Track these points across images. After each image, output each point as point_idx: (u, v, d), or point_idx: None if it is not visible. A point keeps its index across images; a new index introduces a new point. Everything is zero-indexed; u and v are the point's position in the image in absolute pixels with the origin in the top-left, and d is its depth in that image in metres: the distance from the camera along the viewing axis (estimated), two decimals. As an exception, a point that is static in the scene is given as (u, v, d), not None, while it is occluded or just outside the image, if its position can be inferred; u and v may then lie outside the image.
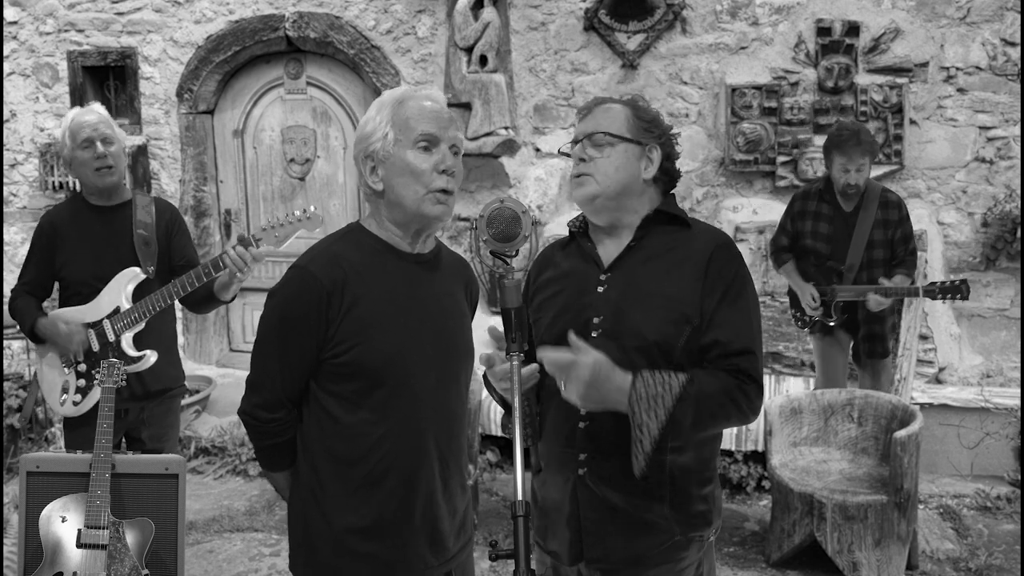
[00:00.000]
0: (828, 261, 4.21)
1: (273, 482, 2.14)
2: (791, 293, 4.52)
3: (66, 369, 3.21)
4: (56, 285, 3.33)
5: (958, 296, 3.96)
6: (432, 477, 1.99)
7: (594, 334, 1.90)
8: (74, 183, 6.21)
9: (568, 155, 2.03)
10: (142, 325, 3.15)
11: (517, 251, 1.75)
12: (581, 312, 1.93)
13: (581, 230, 2.05)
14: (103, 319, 3.15)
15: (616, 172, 1.93)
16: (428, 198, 1.91)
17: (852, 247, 4.14)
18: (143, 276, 3.18)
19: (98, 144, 3.15)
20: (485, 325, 5.41)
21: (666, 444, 1.80)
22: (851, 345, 4.41)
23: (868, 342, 4.30)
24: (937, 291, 3.99)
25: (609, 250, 1.99)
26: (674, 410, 1.75)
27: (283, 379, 1.96)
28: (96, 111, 3.23)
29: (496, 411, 4.74)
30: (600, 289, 1.94)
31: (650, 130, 1.97)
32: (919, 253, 4.97)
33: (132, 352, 3.13)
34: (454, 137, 1.96)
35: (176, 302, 3.14)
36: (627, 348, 1.86)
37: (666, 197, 2.03)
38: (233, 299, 3.23)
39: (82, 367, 3.18)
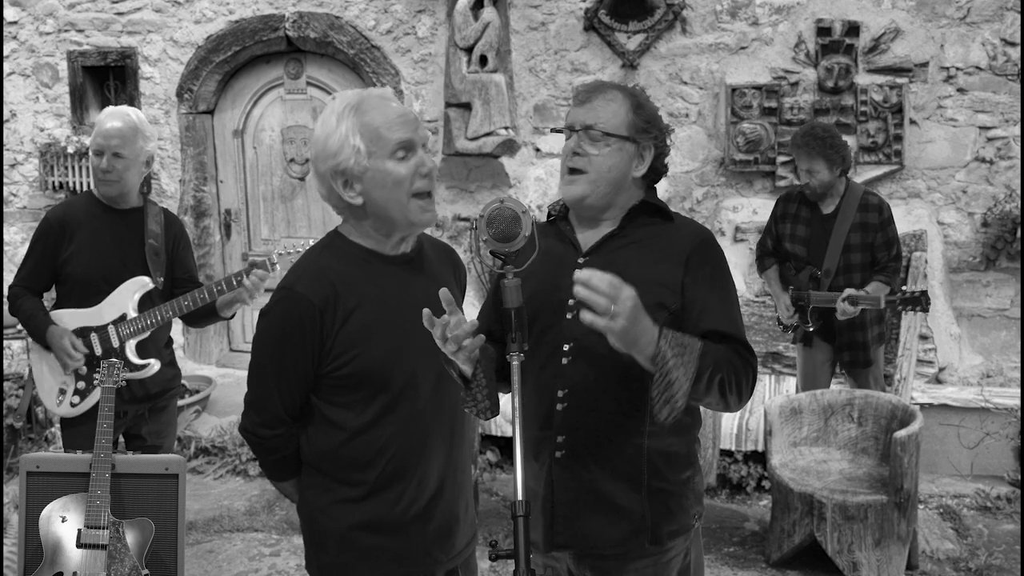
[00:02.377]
0: (806, 265, 4.14)
1: (281, 490, 2.15)
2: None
3: (65, 371, 3.21)
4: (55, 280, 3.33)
5: (918, 308, 3.86)
6: (441, 472, 2.00)
7: (568, 316, 1.90)
8: (74, 184, 6.21)
9: (562, 132, 1.99)
10: (147, 334, 3.17)
11: (517, 251, 1.74)
12: (556, 293, 1.92)
13: (561, 214, 2.04)
14: (108, 325, 3.16)
15: (609, 171, 1.91)
16: (413, 205, 1.90)
17: (829, 251, 4.05)
18: (151, 286, 3.20)
19: (104, 158, 3.13)
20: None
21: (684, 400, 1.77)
22: (832, 354, 4.30)
23: (849, 351, 4.20)
24: (897, 303, 3.90)
25: (588, 236, 1.97)
26: (699, 361, 1.72)
27: (281, 398, 1.97)
28: (124, 117, 3.17)
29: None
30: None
31: (648, 129, 1.94)
32: (919, 253, 4.99)
33: (136, 360, 3.15)
34: (424, 136, 1.93)
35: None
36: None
37: (649, 190, 2.02)
38: (232, 316, 3.27)
39: (83, 370, 3.18)
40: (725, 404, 1.82)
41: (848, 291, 3.91)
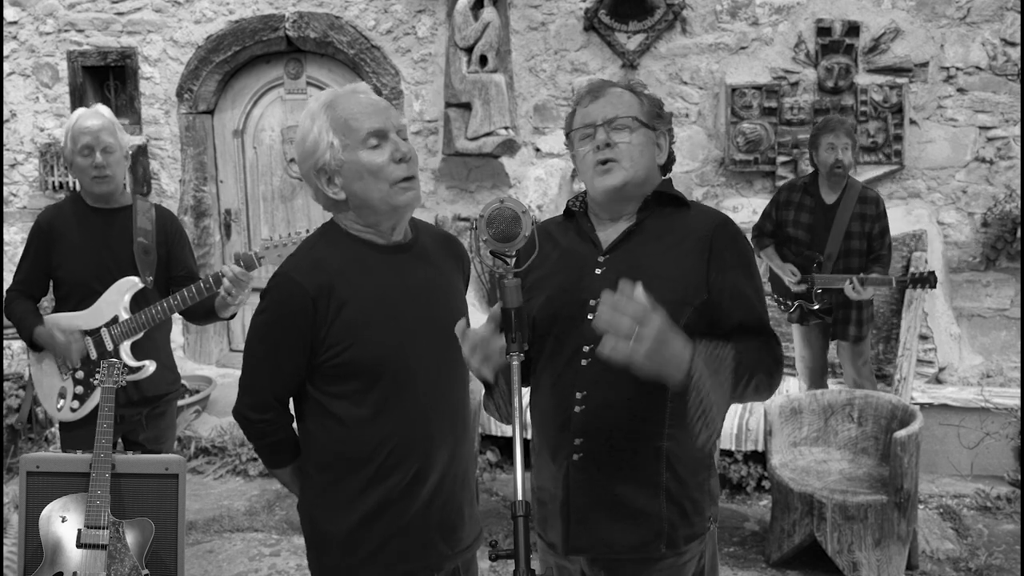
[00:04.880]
0: (807, 250, 4.35)
1: (278, 477, 2.15)
2: (771, 280, 4.60)
3: (63, 375, 3.20)
4: (51, 285, 3.32)
5: (927, 285, 4.12)
6: (443, 465, 1.99)
7: (590, 316, 1.86)
8: (74, 183, 6.21)
9: (571, 153, 1.97)
10: (140, 335, 3.15)
11: (517, 251, 1.74)
12: (578, 294, 1.90)
13: (581, 210, 2.02)
14: (101, 327, 3.15)
15: (641, 157, 1.90)
16: (394, 190, 1.90)
17: (831, 237, 4.29)
18: (141, 285, 3.18)
19: (97, 154, 3.11)
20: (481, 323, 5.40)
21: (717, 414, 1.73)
22: (825, 330, 4.56)
23: (842, 325, 4.42)
24: (908, 281, 4.17)
25: (608, 232, 1.95)
26: (734, 375, 1.70)
27: (272, 382, 1.98)
28: (100, 114, 3.18)
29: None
30: (598, 271, 1.90)
31: (660, 115, 1.95)
32: (919, 253, 5.00)
33: (131, 362, 3.13)
34: (398, 123, 1.93)
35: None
36: None
37: (663, 181, 2.01)
38: (232, 316, 3.23)
39: (80, 374, 3.17)
40: (758, 399, 1.84)
41: (861, 275, 4.17)
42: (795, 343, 4.66)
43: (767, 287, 4.67)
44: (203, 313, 3.19)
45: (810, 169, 5.12)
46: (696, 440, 1.71)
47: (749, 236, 4.53)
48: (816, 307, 4.36)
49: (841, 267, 4.28)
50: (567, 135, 2.00)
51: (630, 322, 1.54)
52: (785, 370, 1.91)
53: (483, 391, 1.94)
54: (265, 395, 1.99)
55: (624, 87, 1.96)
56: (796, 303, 4.46)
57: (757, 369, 1.76)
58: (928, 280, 4.13)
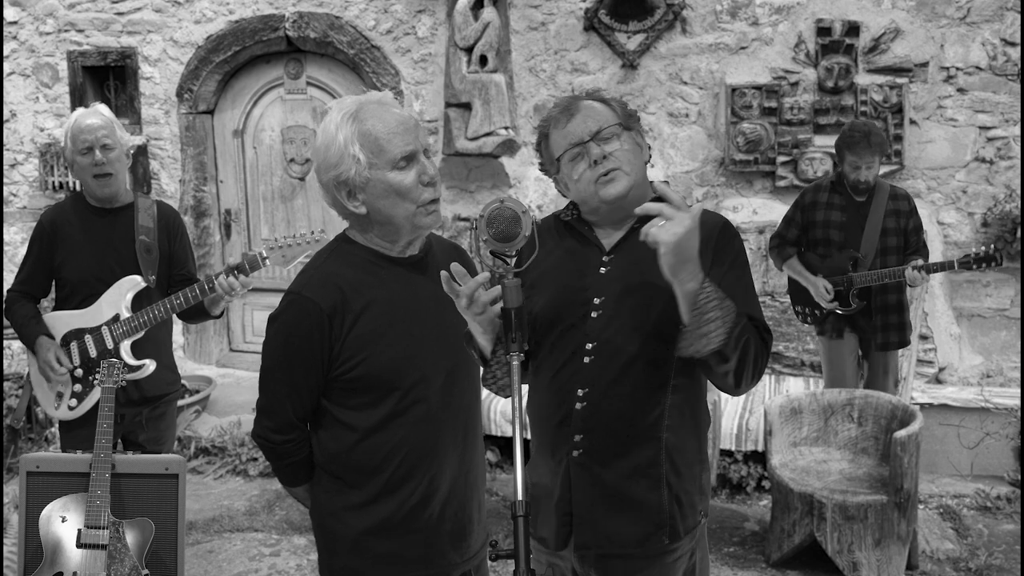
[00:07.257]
0: (840, 250, 4.24)
1: (294, 495, 2.15)
2: (792, 291, 4.49)
3: (47, 382, 3.20)
4: (53, 285, 3.32)
5: (993, 264, 4.01)
6: (453, 474, 2.01)
7: (594, 314, 1.90)
8: (74, 183, 6.21)
9: (551, 177, 1.98)
10: (141, 334, 3.15)
11: (517, 251, 1.74)
12: (582, 292, 1.92)
13: (576, 216, 2.03)
14: (102, 325, 3.15)
15: (636, 158, 1.92)
16: (420, 212, 1.90)
17: (866, 235, 4.20)
18: (144, 284, 3.18)
19: (97, 152, 3.11)
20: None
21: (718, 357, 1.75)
22: (857, 345, 4.39)
23: (884, 332, 4.26)
24: (972, 261, 4.06)
25: (609, 235, 1.97)
26: (736, 316, 1.72)
27: (292, 402, 1.97)
28: (100, 113, 3.18)
29: (495, 411, 4.74)
30: (603, 270, 1.93)
31: (631, 114, 1.97)
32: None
33: (131, 361, 3.13)
34: (425, 142, 1.92)
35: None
36: (626, 329, 1.86)
37: (662, 183, 2.04)
38: (222, 315, 3.25)
39: (79, 372, 3.17)
40: (738, 376, 1.79)
41: (919, 262, 4.08)
42: (824, 360, 4.46)
43: (787, 299, 4.63)
44: (195, 312, 3.20)
45: (809, 170, 5.16)
46: (685, 350, 1.74)
47: (768, 244, 4.47)
48: (853, 308, 4.21)
49: (878, 266, 4.18)
50: (556, 160, 1.95)
51: (670, 209, 1.65)
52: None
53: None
54: (287, 416, 1.98)
55: (590, 98, 1.98)
56: (828, 313, 4.29)
57: (750, 332, 1.78)
58: (994, 258, 4.00)
